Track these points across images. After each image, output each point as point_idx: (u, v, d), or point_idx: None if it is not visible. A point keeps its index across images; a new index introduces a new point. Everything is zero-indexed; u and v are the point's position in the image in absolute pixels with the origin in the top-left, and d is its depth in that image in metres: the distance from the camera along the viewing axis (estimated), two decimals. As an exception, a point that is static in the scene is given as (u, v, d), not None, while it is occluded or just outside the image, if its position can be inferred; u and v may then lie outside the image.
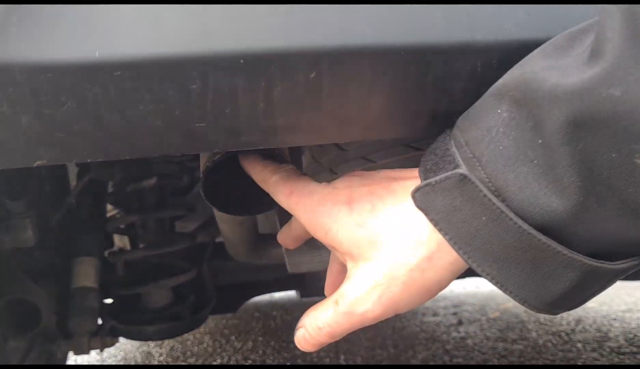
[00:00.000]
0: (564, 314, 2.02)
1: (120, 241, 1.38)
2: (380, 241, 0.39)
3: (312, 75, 0.37)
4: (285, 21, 0.36)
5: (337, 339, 0.43)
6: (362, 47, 0.37)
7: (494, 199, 0.35)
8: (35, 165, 0.39)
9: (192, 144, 0.40)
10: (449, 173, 0.37)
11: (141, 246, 1.26)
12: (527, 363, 1.53)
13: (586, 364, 1.49)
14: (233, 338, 2.07)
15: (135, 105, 0.37)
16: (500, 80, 0.37)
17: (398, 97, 0.40)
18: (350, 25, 0.37)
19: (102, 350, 1.21)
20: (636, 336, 1.70)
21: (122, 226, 1.27)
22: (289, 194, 0.45)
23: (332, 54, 0.37)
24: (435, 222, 0.37)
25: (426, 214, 0.38)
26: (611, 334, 1.74)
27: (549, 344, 1.67)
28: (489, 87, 0.38)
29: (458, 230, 0.36)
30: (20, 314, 1.11)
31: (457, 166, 0.37)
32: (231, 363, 1.71)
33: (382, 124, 0.42)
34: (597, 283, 0.36)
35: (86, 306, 1.13)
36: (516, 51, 0.38)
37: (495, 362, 1.55)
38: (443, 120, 0.42)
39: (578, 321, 1.92)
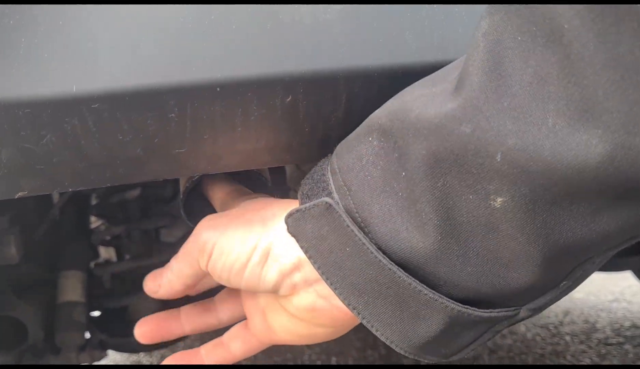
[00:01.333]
0: (552, 307, 2.04)
1: (106, 252, 1.38)
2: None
3: (289, 99, 0.38)
4: (261, 48, 0.37)
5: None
6: (336, 71, 0.38)
7: (356, 230, 0.34)
8: (17, 197, 0.40)
9: (173, 169, 0.41)
10: (318, 201, 0.36)
11: (127, 257, 1.26)
12: (516, 357, 1.55)
13: (578, 362, 1.52)
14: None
15: (115, 135, 0.37)
16: (379, 109, 0.36)
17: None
18: (324, 50, 0.38)
19: (91, 363, 1.21)
20: (622, 326, 1.73)
21: (108, 238, 1.26)
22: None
23: (307, 79, 0.38)
24: (305, 250, 0.37)
25: (297, 240, 0.37)
26: (598, 325, 1.77)
27: (538, 338, 1.69)
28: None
29: (325, 259, 0.35)
30: (6, 330, 1.10)
31: (329, 193, 0.36)
32: (222, 368, 1.71)
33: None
34: (469, 331, 0.34)
35: (73, 321, 1.13)
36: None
37: (486, 358, 1.57)
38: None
39: (566, 313, 1.94)
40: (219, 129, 0.39)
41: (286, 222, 0.38)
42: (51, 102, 0.35)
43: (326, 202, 0.35)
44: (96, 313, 1.28)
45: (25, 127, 0.36)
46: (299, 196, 0.39)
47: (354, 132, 0.38)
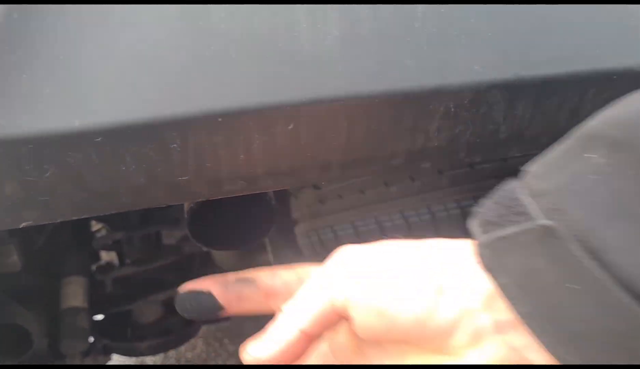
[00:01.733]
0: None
1: (107, 256, 1.38)
2: None
3: (290, 127, 0.38)
4: (261, 77, 0.37)
5: None
6: (337, 98, 0.38)
7: (591, 263, 0.26)
8: (21, 226, 0.40)
9: (176, 196, 0.41)
10: (531, 225, 0.28)
11: (128, 261, 1.27)
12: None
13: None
14: (226, 340, 2.07)
15: (118, 166, 0.37)
16: (590, 123, 0.30)
17: (374, 140, 0.41)
18: (324, 77, 0.38)
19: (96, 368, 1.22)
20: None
21: (109, 243, 1.27)
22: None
23: (308, 107, 0.38)
24: (504, 288, 0.29)
25: (494, 276, 0.29)
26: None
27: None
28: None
29: (533, 300, 0.28)
30: (10, 338, 1.11)
31: (530, 219, 0.28)
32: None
33: (359, 165, 0.43)
34: None
35: (76, 327, 1.13)
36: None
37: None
38: (418, 157, 0.43)
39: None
40: (221, 157, 0.39)
41: (480, 254, 0.30)
42: (54, 138, 0.35)
43: (545, 226, 0.27)
44: (100, 317, 1.28)
45: (28, 162, 0.36)
46: (475, 228, 0.32)
47: (556, 149, 0.31)
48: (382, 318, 0.31)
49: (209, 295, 0.40)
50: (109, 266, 1.30)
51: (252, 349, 0.36)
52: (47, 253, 1.14)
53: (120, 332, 1.24)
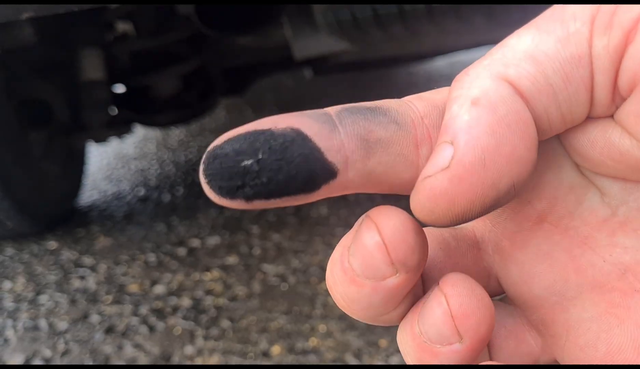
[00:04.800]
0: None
1: (123, 27, 1.35)
2: None
3: None
4: None
5: None
6: None
7: None
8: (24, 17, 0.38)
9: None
10: None
11: (144, 33, 1.24)
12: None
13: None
14: (249, 111, 2.13)
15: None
16: None
17: None
18: None
19: (120, 137, 1.27)
20: None
21: (123, 14, 1.23)
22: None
23: None
24: None
25: None
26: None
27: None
28: None
29: None
30: (34, 112, 1.14)
31: None
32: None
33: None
34: None
35: (97, 98, 1.15)
36: None
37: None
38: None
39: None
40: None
41: None
42: None
43: None
44: (121, 90, 1.30)
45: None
46: None
47: None
48: None
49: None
50: (125, 37, 1.28)
51: None
52: (61, 25, 1.12)
53: (142, 104, 1.27)
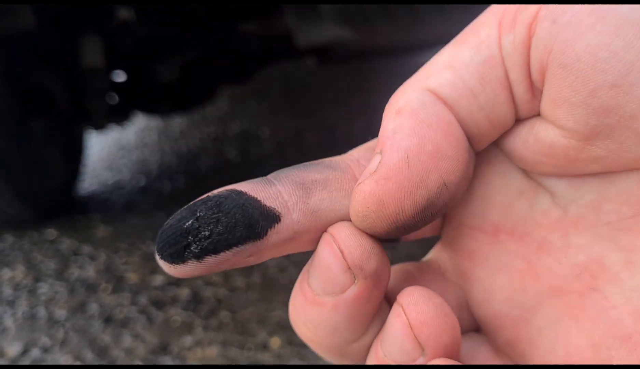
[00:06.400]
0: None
1: (124, 14, 1.34)
2: None
3: None
4: None
5: None
6: None
7: None
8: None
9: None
10: None
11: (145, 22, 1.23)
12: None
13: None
14: (252, 101, 2.11)
15: None
16: None
17: None
18: None
19: (120, 125, 1.26)
20: None
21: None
22: None
23: None
24: None
25: None
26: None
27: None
28: None
29: None
30: (35, 99, 1.13)
31: None
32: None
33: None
34: None
35: (97, 87, 1.14)
36: None
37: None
38: None
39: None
40: None
41: None
42: None
43: None
44: (123, 78, 1.29)
45: None
46: None
47: None
48: None
49: None
50: (126, 24, 1.27)
51: None
52: (62, 11, 1.11)
53: (142, 92, 1.26)
